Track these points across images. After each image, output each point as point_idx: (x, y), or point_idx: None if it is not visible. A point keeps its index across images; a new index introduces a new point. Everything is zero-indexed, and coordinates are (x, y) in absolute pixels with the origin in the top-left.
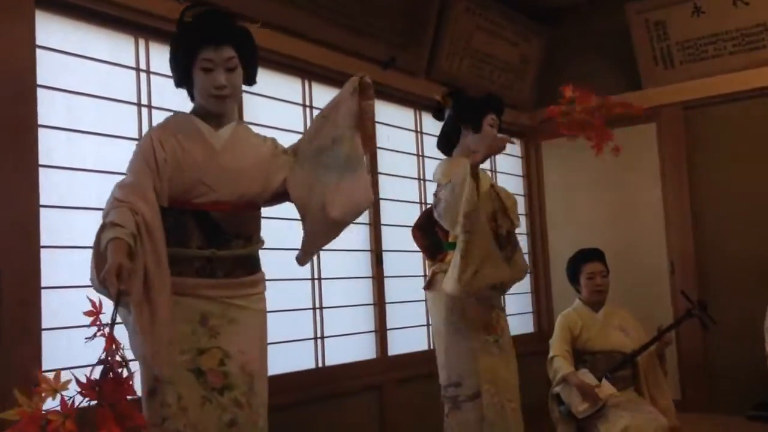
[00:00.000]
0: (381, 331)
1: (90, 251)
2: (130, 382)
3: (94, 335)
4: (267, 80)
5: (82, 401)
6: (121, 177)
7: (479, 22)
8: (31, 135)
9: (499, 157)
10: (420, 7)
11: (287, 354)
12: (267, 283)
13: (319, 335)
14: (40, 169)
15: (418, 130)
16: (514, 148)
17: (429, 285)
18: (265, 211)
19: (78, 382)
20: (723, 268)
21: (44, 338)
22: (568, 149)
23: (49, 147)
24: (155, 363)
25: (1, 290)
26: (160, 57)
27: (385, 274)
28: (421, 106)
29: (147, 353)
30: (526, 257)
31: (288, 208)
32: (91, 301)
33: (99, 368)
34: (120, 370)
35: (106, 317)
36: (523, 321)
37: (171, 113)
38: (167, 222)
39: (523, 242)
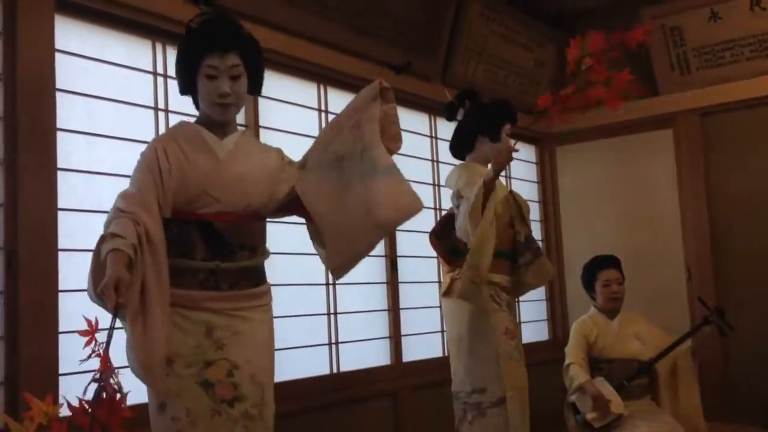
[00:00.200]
0: (395, 337)
1: None
2: (123, 405)
3: (89, 356)
4: (283, 84)
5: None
6: None
7: (494, 27)
8: (50, 138)
9: (513, 163)
10: (435, 12)
11: (302, 359)
12: (282, 288)
13: (333, 341)
14: (59, 172)
15: (433, 135)
16: (528, 153)
17: (447, 292)
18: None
19: (70, 406)
20: (741, 275)
21: (60, 341)
22: (584, 155)
23: (68, 150)
24: (147, 378)
25: (18, 292)
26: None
27: (399, 280)
28: (435, 111)
29: (138, 368)
30: None
31: None
32: (86, 320)
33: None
34: (113, 391)
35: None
36: (537, 328)
37: (188, 117)
38: (171, 233)
39: None
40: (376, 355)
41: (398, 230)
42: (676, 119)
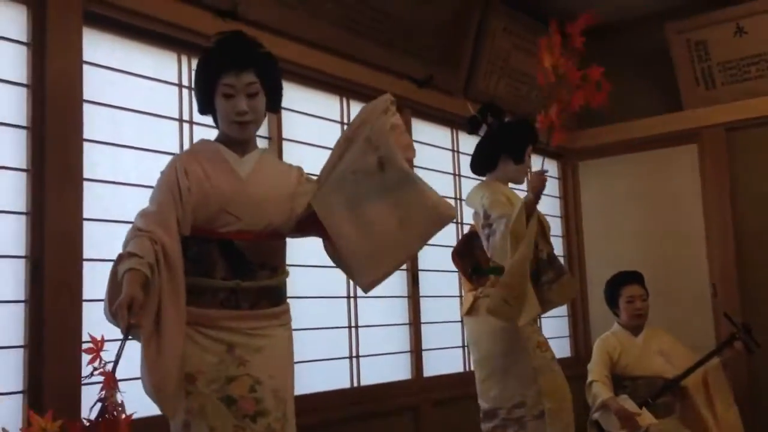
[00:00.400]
0: (416, 351)
1: None
2: (125, 425)
3: (91, 374)
4: (305, 97)
5: None
6: None
7: (516, 42)
8: (77, 148)
9: None
10: (458, 26)
11: (322, 373)
12: (303, 300)
13: (354, 354)
14: (84, 183)
15: (455, 149)
16: (550, 168)
17: (471, 310)
18: None
19: (70, 426)
20: (767, 291)
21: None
22: (606, 170)
23: (93, 161)
24: (158, 399)
25: (43, 301)
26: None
27: (420, 294)
28: (457, 125)
29: (150, 389)
30: None
31: None
32: (91, 337)
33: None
34: (116, 412)
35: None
36: (559, 345)
37: (212, 129)
38: (191, 251)
39: None
40: (397, 370)
41: None
42: (700, 134)
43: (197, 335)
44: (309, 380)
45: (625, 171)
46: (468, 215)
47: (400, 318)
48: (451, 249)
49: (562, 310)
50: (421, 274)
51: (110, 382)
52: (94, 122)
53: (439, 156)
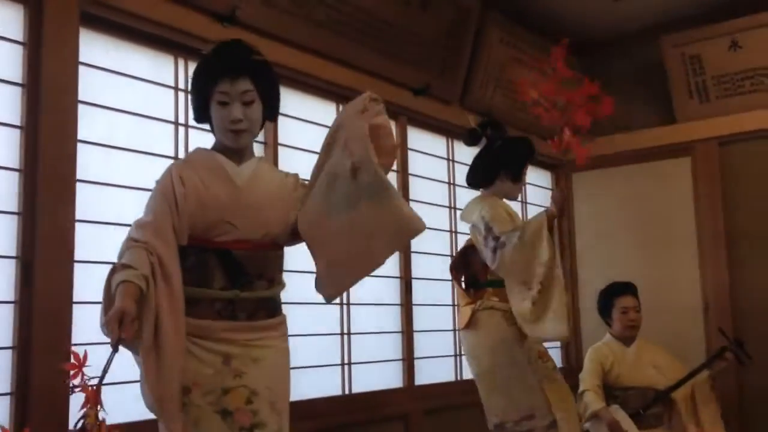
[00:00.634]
0: (408, 359)
1: None
2: None
3: (72, 390)
4: (302, 103)
5: None
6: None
7: (513, 53)
8: (71, 149)
9: (528, 189)
10: (455, 36)
11: (314, 379)
12: (295, 306)
13: (346, 361)
14: (77, 184)
15: (450, 158)
16: (544, 179)
17: (469, 324)
18: None
19: None
20: (760, 307)
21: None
22: (600, 181)
23: (87, 162)
24: (161, 414)
25: (32, 303)
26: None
27: (413, 302)
28: (453, 134)
29: (152, 403)
30: None
31: None
32: (73, 354)
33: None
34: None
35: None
36: (551, 355)
37: (208, 133)
38: (188, 261)
39: None
40: (389, 377)
41: (413, 252)
42: (694, 148)
43: (192, 346)
44: (300, 387)
45: (618, 183)
46: (463, 224)
47: (393, 326)
48: (445, 258)
49: None
50: (414, 282)
51: (93, 400)
52: (88, 123)
53: (434, 165)
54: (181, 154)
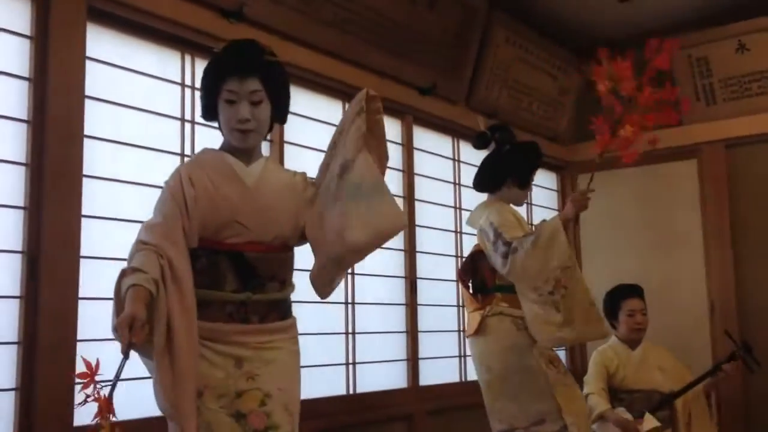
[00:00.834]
0: (413, 359)
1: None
2: None
3: (85, 400)
4: (308, 101)
5: None
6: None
7: (519, 54)
8: (77, 144)
9: (534, 190)
10: (462, 35)
11: (318, 379)
12: (301, 305)
13: (351, 361)
14: (84, 179)
15: (456, 158)
16: (550, 181)
17: (479, 330)
18: None
19: None
20: (766, 309)
21: (78, 349)
22: (605, 184)
23: (94, 158)
24: (177, 418)
25: (38, 298)
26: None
27: (418, 302)
28: (459, 134)
29: (168, 407)
30: None
31: None
32: (85, 362)
33: None
34: None
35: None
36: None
37: (214, 129)
38: (199, 263)
39: None
40: (393, 378)
41: (418, 252)
42: (700, 150)
43: (203, 349)
44: (305, 386)
45: (624, 185)
46: (465, 224)
47: (398, 326)
48: (451, 258)
49: None
50: (419, 283)
51: (105, 410)
52: (95, 119)
53: (440, 165)
54: (188, 151)
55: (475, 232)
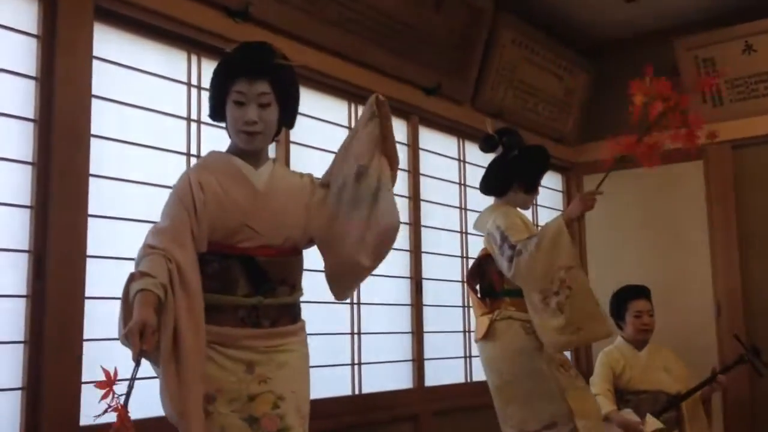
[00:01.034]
0: (418, 360)
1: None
2: None
3: (105, 411)
4: (313, 101)
5: None
6: (169, 191)
7: (525, 54)
8: (84, 143)
9: (540, 191)
10: (468, 36)
11: (324, 379)
12: (306, 305)
13: (356, 361)
14: (90, 179)
15: (461, 158)
16: (555, 182)
17: (487, 334)
18: None
19: None
20: None
21: (85, 348)
22: (611, 185)
23: (100, 157)
24: (183, 425)
25: (45, 298)
26: (211, 73)
27: (423, 303)
28: (465, 135)
29: (174, 414)
30: None
31: None
32: (104, 371)
33: None
34: None
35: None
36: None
37: (220, 129)
38: (210, 267)
39: None
40: (399, 378)
41: (424, 252)
42: (706, 151)
43: (215, 354)
44: (310, 386)
45: (630, 186)
46: (471, 224)
47: (403, 326)
48: (456, 258)
49: None
50: (424, 283)
51: (123, 420)
52: (101, 118)
53: (445, 165)
54: (194, 151)
55: (480, 233)
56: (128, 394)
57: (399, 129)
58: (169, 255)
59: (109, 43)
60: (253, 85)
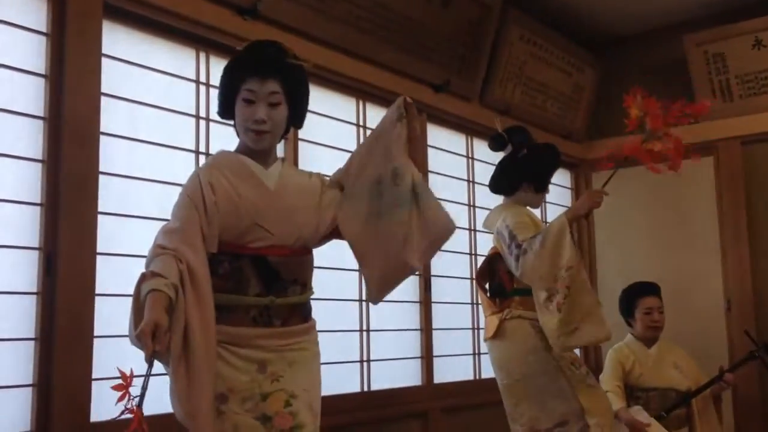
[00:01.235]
0: (427, 357)
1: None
2: None
3: (122, 412)
4: (321, 99)
5: None
6: (178, 189)
7: (533, 51)
8: (94, 141)
9: None
10: (476, 33)
11: (332, 376)
12: (315, 303)
13: (365, 358)
14: (100, 176)
15: (470, 155)
16: (563, 178)
17: (497, 334)
18: None
19: None
20: None
21: (95, 345)
22: (620, 181)
23: (110, 155)
24: (193, 427)
25: (56, 294)
26: (220, 71)
27: (432, 300)
28: (473, 132)
29: (183, 416)
30: None
31: None
32: (120, 372)
33: None
34: None
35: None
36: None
37: (229, 127)
38: (222, 268)
39: None
40: (408, 375)
41: None
42: (716, 147)
43: (227, 354)
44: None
45: (639, 183)
46: (481, 221)
47: (412, 323)
48: (464, 255)
49: None
50: (433, 280)
51: (140, 422)
52: (111, 116)
53: (454, 162)
54: (202, 148)
55: (490, 232)
56: (142, 395)
57: None
58: (180, 255)
59: (118, 41)
60: (264, 84)
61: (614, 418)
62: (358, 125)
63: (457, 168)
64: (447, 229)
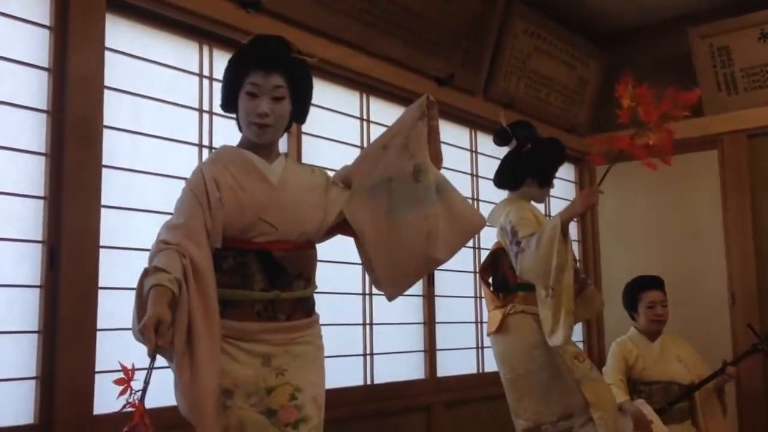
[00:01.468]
0: (430, 351)
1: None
2: None
3: (124, 407)
4: (325, 92)
5: None
6: (182, 182)
7: (538, 44)
8: (96, 135)
9: None
10: (480, 26)
11: (336, 369)
12: (318, 296)
13: (368, 352)
14: (103, 170)
15: (473, 149)
16: (567, 173)
17: (500, 328)
18: None
19: None
20: None
21: (98, 338)
22: (624, 175)
23: (113, 148)
24: (198, 422)
25: (59, 288)
26: (223, 64)
27: (435, 294)
28: (477, 126)
29: (188, 411)
30: None
31: None
32: (122, 366)
33: None
34: None
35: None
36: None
37: (232, 120)
38: (226, 263)
39: None
40: (411, 369)
41: None
42: (721, 140)
43: (232, 348)
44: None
45: (643, 176)
46: (485, 216)
47: (415, 317)
48: (468, 249)
49: None
50: (437, 274)
51: (140, 415)
52: (114, 109)
53: (458, 156)
54: (205, 142)
55: (494, 226)
56: (144, 390)
57: None
58: (183, 250)
59: (121, 34)
60: (268, 77)
61: (618, 411)
62: (361, 119)
63: (461, 162)
64: (478, 224)
